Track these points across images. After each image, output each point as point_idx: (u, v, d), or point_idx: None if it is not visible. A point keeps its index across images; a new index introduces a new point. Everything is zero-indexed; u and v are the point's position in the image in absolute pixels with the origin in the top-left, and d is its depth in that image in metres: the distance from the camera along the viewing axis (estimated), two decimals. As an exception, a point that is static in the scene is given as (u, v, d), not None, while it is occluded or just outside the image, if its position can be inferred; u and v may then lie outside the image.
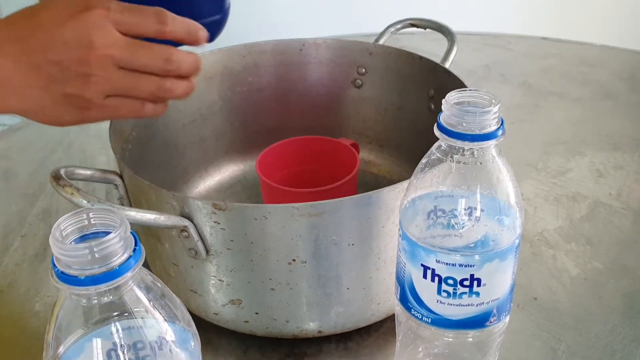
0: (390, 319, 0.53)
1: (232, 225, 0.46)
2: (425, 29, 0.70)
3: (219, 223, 0.46)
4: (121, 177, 0.53)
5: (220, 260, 0.48)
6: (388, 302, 0.51)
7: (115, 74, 0.45)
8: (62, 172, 0.47)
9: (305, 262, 0.47)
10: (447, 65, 0.63)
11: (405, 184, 0.45)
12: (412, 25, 0.70)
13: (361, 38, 0.72)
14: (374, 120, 0.71)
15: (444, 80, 0.60)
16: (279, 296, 0.49)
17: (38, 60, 0.44)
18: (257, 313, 0.50)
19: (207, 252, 0.47)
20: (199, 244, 0.47)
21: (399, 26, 0.71)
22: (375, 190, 0.45)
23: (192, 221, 0.46)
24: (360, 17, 1.73)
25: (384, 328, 0.54)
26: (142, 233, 0.53)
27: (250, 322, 0.51)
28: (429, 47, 0.95)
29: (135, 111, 0.48)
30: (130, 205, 0.53)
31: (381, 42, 0.70)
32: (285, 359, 0.52)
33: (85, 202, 0.44)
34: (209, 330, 0.53)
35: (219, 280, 0.49)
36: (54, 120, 0.48)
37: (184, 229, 0.46)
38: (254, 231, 0.46)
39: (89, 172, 0.52)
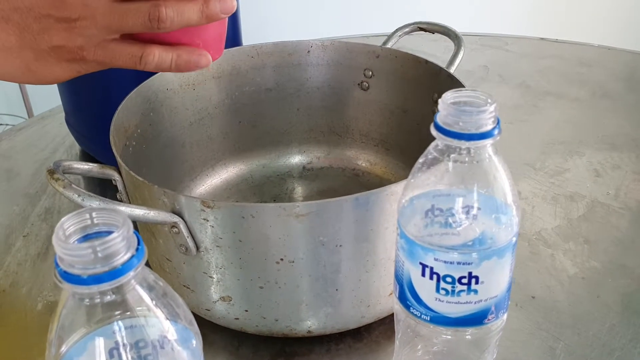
0: (383, 322, 0.53)
1: (221, 223, 0.46)
2: (433, 32, 0.70)
3: (207, 220, 0.46)
4: (120, 172, 0.53)
5: (210, 257, 0.48)
6: (379, 305, 0.51)
7: (101, 8, 0.38)
8: (59, 166, 0.47)
9: (293, 261, 0.47)
10: (452, 69, 0.63)
11: (394, 187, 0.46)
12: (421, 29, 0.70)
13: (368, 39, 0.72)
14: (379, 122, 0.71)
15: (448, 85, 0.60)
16: (267, 295, 0.49)
17: (2, 10, 0.37)
18: (246, 310, 0.50)
19: (197, 248, 0.48)
20: (189, 240, 0.47)
21: (407, 29, 0.71)
22: (363, 193, 0.45)
23: (182, 218, 0.46)
24: (363, 19, 1.74)
25: (377, 331, 0.54)
26: (139, 229, 0.53)
27: (240, 319, 0.51)
28: (427, 48, 0.95)
29: (135, 57, 0.40)
30: (129, 201, 0.53)
31: (389, 45, 0.70)
32: (276, 357, 0.53)
33: (76, 196, 0.44)
34: (203, 326, 0.52)
35: (210, 276, 0.49)
36: (44, 78, 0.41)
37: (174, 225, 0.46)
38: (241, 229, 0.46)
39: (86, 167, 0.52)
